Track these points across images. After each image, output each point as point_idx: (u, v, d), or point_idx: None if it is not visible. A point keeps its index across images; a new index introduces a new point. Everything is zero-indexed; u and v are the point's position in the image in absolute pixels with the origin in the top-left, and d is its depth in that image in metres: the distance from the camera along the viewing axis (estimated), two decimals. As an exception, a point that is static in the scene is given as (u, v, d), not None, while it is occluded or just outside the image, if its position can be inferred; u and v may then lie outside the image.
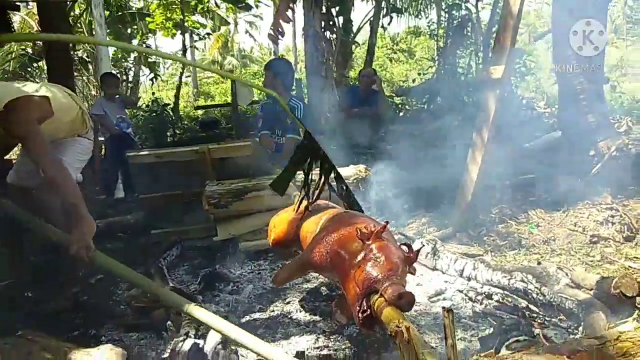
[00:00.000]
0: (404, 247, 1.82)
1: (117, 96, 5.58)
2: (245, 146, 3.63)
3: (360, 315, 1.70)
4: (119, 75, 7.18)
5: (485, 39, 8.10)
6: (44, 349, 1.73)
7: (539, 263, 2.75)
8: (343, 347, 2.26)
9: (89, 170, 5.44)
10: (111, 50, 10.57)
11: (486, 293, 2.68)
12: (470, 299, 2.67)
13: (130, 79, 8.94)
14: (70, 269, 2.90)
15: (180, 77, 10.48)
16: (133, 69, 10.28)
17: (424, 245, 1.74)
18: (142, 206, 3.83)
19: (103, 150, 5.51)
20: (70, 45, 7.76)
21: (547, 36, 11.65)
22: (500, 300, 2.58)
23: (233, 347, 2.18)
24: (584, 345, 1.25)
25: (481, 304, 2.61)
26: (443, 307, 1.29)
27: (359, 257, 1.79)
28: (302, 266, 2.43)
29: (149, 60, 11.20)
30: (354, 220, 2.12)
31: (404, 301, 1.51)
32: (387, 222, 1.90)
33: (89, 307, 2.79)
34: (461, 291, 2.75)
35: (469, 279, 2.88)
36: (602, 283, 2.42)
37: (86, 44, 10.82)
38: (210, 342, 2.22)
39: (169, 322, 2.37)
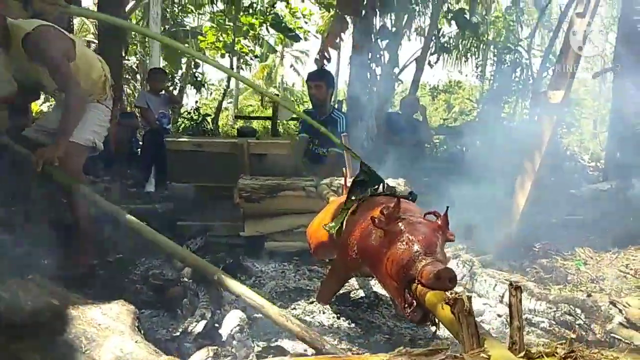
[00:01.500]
0: (431, 217, 1.63)
1: (162, 92, 5.62)
2: (284, 144, 3.54)
3: (407, 311, 1.51)
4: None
5: (535, 84, 7.97)
6: (52, 294, 1.60)
7: (588, 295, 2.48)
8: (366, 352, 2.05)
9: (123, 165, 5.46)
10: (162, 62, 10.89)
11: (529, 321, 2.43)
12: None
13: (177, 87, 9.18)
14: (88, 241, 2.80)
15: (224, 94, 10.64)
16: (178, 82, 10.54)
17: (449, 207, 1.55)
18: (172, 196, 3.74)
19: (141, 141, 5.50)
20: (124, 52, 8.01)
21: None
22: (547, 328, 2.33)
23: (250, 332, 2.01)
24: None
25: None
26: (510, 284, 1.11)
27: (385, 248, 1.60)
28: (340, 274, 2.24)
29: (196, 77, 11.50)
30: (371, 208, 1.86)
31: (443, 280, 1.33)
32: (398, 198, 1.71)
33: (104, 280, 2.67)
34: (500, 315, 2.51)
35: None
36: (666, 323, 2.16)
37: (139, 53, 11.23)
38: (227, 326, 2.06)
39: (185, 300, 2.22)
